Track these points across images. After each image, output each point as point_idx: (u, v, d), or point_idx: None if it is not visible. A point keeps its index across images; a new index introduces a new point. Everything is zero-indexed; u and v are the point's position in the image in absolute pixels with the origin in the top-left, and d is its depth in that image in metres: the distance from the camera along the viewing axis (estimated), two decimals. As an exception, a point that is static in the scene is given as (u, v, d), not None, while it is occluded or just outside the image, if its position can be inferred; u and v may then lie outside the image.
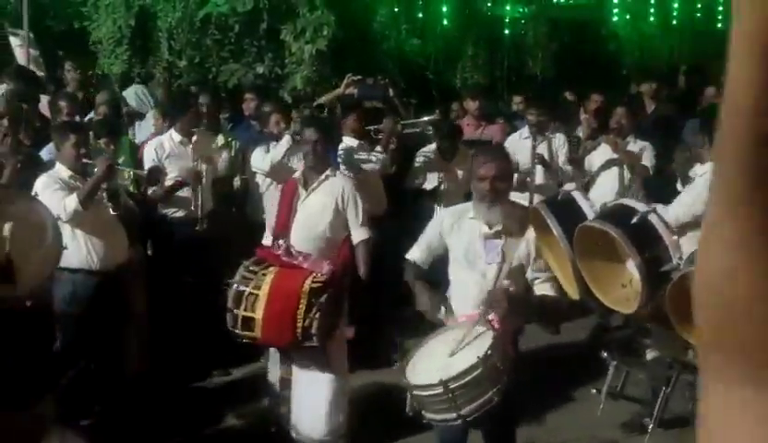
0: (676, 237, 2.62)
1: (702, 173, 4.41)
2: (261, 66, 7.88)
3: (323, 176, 4.53)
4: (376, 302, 5.45)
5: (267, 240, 4.71)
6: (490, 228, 3.27)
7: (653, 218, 2.58)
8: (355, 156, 5.82)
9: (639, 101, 8.25)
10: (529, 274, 3.26)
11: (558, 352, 5.89)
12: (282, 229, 4.45)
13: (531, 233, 3.18)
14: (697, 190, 4.18)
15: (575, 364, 5.23)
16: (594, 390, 3.21)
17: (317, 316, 3.92)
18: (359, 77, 6.83)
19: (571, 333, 6.31)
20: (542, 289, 3.24)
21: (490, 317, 3.08)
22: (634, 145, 6.03)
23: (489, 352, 2.83)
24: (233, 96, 7.71)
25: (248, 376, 5.44)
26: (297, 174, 4.63)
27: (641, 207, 2.65)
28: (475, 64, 9.44)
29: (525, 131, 6.53)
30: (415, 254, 3.55)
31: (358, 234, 4.57)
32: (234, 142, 6.38)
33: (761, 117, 0.52)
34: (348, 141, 5.89)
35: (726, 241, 0.54)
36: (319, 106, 6.77)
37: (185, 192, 5.56)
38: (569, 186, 3.13)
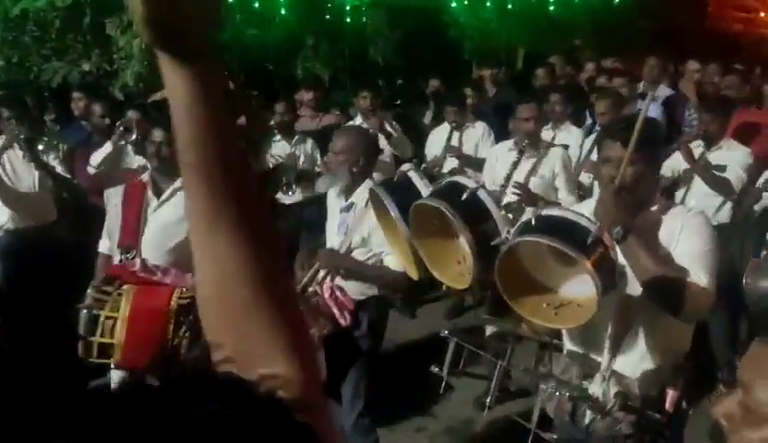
0: (504, 212, 2.67)
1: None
2: (88, 63, 7.40)
3: (178, 183, 4.02)
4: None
5: (103, 247, 4.28)
6: (346, 201, 3.66)
7: (481, 193, 2.60)
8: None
9: (480, 86, 8.48)
10: (373, 246, 3.56)
11: (411, 335, 5.94)
12: (131, 240, 3.95)
13: None
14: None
15: (425, 345, 5.27)
16: (436, 369, 3.21)
17: (186, 334, 3.58)
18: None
19: (427, 316, 6.41)
20: (389, 261, 3.53)
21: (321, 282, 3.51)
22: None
23: None
24: (59, 96, 7.20)
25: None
26: (145, 178, 4.13)
27: (470, 183, 2.66)
28: (316, 53, 9.34)
29: (359, 119, 6.50)
30: None
31: None
32: (61, 145, 5.94)
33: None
34: None
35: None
36: (154, 103, 6.45)
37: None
38: (405, 167, 3.17)
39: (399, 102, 7.80)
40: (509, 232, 2.47)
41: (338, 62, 9.79)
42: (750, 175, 4.90)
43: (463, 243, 2.52)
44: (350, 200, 3.68)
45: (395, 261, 3.45)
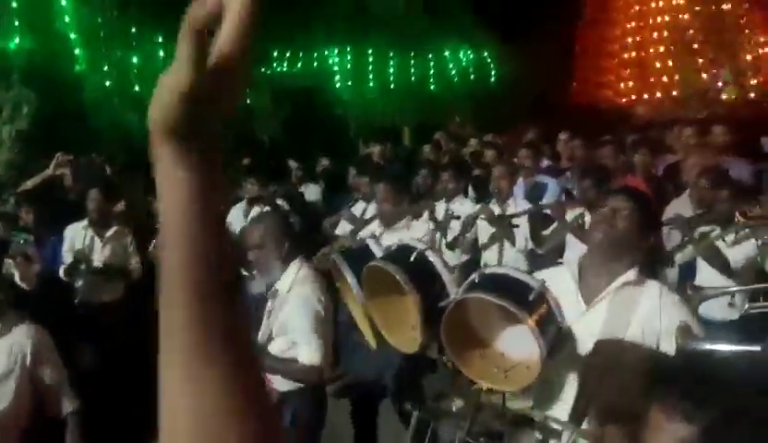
0: (455, 275, 2.64)
1: None
2: (-46, 151, 6.92)
3: None
4: None
5: None
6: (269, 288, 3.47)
7: (430, 255, 2.60)
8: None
9: (369, 162, 8.57)
10: (290, 334, 3.32)
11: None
12: None
13: (298, 290, 3.33)
14: None
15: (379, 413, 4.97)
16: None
17: None
18: (70, 156, 6.25)
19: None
20: (301, 352, 3.28)
21: None
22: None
23: None
24: None
25: None
26: None
27: (419, 245, 2.66)
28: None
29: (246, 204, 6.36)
30: None
31: (65, 406, 3.38)
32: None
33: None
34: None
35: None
36: (27, 192, 6.08)
37: None
38: (364, 234, 3.11)
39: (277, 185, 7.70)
40: (458, 293, 2.44)
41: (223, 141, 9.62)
42: None
43: (412, 305, 2.48)
44: (274, 286, 3.47)
45: (307, 353, 3.27)
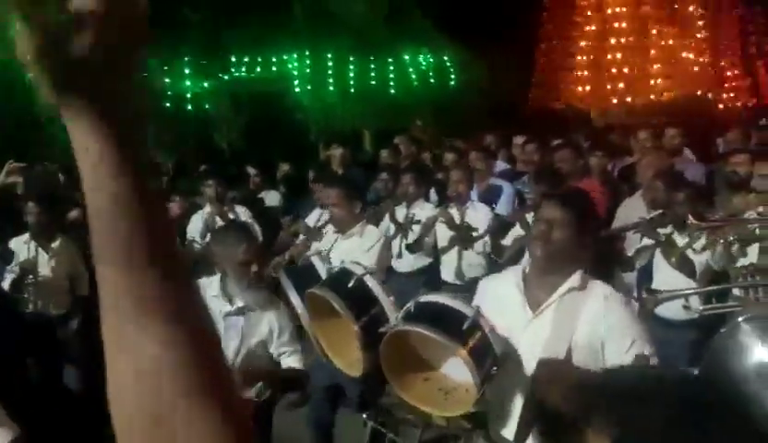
0: (392, 298, 2.63)
1: None
2: None
3: None
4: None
5: None
6: (232, 305, 3.26)
7: (368, 280, 2.60)
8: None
9: (328, 167, 8.53)
10: (273, 349, 3.31)
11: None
12: None
13: (276, 301, 3.30)
14: None
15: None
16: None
17: None
18: (23, 164, 6.08)
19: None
20: (287, 362, 3.31)
21: None
22: None
23: None
24: None
25: None
26: None
27: (358, 270, 2.66)
28: (159, 141, 9.07)
29: (208, 207, 6.27)
30: None
31: None
32: None
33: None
34: None
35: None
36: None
37: None
38: (310, 252, 3.10)
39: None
40: (397, 318, 2.44)
41: (181, 149, 9.52)
42: None
43: (352, 332, 2.49)
44: (241, 304, 3.28)
45: (298, 359, 3.32)
